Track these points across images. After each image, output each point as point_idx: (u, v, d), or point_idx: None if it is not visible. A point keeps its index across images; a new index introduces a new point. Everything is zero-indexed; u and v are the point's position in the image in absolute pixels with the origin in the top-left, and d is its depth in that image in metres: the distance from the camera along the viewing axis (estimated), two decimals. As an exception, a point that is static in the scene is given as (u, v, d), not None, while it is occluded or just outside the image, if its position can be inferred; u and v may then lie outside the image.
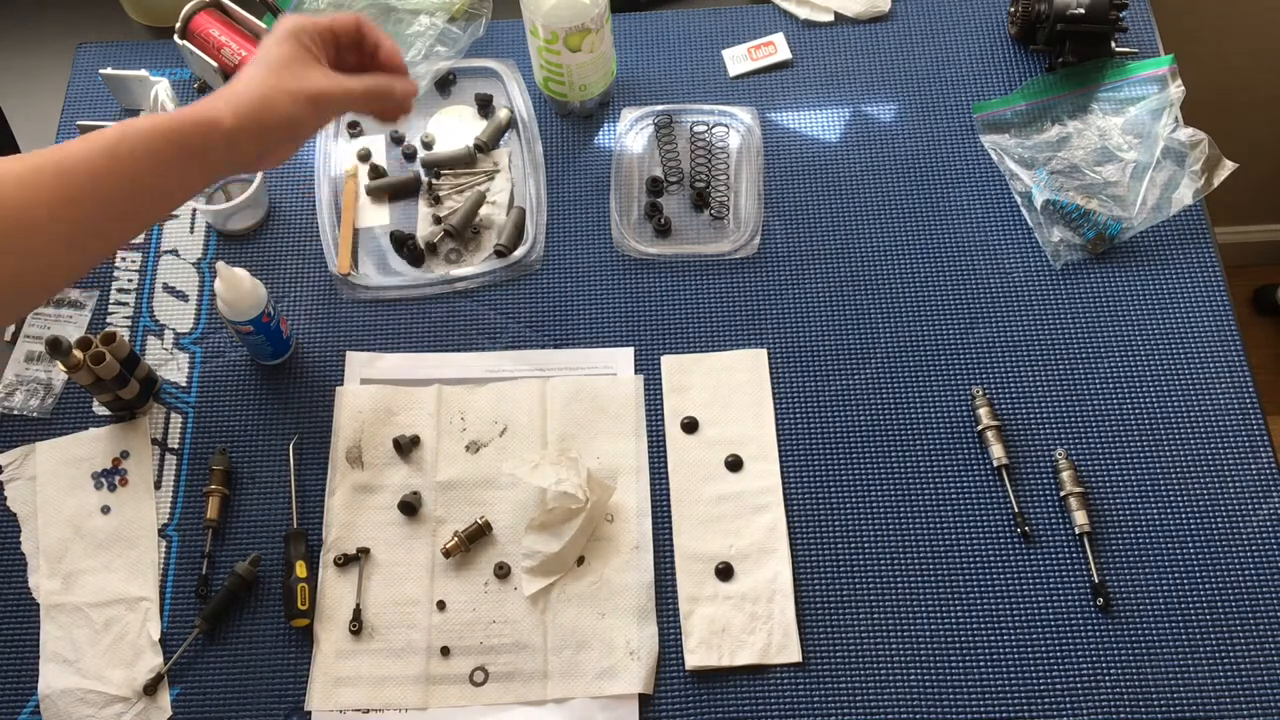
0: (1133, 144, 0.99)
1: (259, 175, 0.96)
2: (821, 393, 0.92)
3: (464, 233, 0.99)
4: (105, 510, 0.89)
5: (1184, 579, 0.84)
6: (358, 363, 0.95)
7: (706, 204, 1.01)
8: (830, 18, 1.10)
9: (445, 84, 1.08)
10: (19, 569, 0.87)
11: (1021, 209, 1.00)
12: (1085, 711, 0.80)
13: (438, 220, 1.00)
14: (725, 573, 0.85)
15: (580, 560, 0.86)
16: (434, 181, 1.02)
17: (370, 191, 1.02)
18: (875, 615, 0.84)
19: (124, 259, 1.00)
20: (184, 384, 0.94)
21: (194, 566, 0.87)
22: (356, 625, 0.84)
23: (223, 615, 0.85)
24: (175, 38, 1.05)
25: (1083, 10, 1.00)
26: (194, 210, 1.02)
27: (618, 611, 0.84)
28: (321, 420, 0.92)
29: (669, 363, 0.94)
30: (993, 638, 0.83)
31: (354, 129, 1.05)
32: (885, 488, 0.88)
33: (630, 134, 1.04)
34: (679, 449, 0.90)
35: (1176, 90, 1.00)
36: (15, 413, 0.93)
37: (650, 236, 1.00)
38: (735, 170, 1.02)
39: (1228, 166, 0.97)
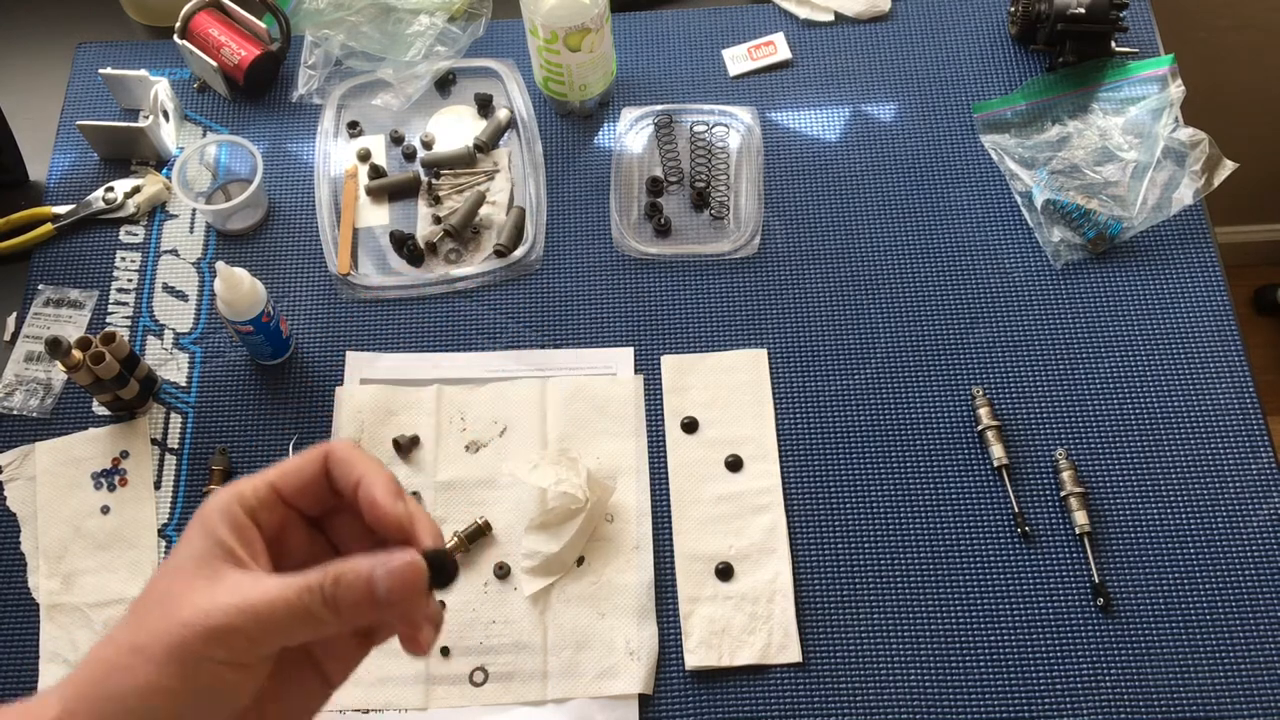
0: (1133, 144, 0.99)
1: (259, 174, 0.96)
2: (821, 393, 0.92)
3: (464, 233, 0.99)
4: (105, 510, 0.89)
5: (1184, 579, 0.84)
6: (357, 363, 0.94)
7: (706, 204, 1.01)
8: (830, 18, 1.10)
9: (445, 84, 1.08)
10: (19, 569, 0.87)
11: (1021, 209, 0.99)
12: (1085, 711, 0.80)
13: (437, 220, 1.00)
14: (725, 573, 0.85)
15: (580, 560, 0.86)
16: (434, 181, 1.02)
17: (370, 191, 1.02)
18: (875, 615, 0.84)
19: (124, 259, 1.00)
20: (184, 384, 0.94)
21: (194, 566, 0.87)
22: (356, 625, 0.84)
23: (222, 615, 0.85)
24: (175, 38, 1.05)
25: (1083, 10, 1.00)
26: (194, 210, 1.02)
27: (617, 611, 0.84)
28: (321, 420, 0.92)
29: (669, 363, 0.94)
30: (993, 638, 0.82)
31: (354, 128, 1.05)
32: (885, 488, 0.88)
33: (630, 134, 1.04)
34: (679, 449, 0.90)
35: (1176, 90, 1.00)
36: (15, 413, 0.93)
37: (650, 236, 1.00)
38: (735, 170, 1.02)
39: (1228, 166, 0.97)
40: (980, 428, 0.89)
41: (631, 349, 0.94)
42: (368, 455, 0.42)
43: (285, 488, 0.41)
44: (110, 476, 0.90)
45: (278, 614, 0.37)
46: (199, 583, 0.38)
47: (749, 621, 0.83)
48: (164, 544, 0.88)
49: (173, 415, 0.93)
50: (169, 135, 1.05)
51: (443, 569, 0.40)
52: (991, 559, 0.85)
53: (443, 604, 0.84)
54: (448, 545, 0.85)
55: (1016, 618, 0.83)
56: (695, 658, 0.82)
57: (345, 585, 0.38)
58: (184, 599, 0.38)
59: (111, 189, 1.02)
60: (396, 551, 0.39)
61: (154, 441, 0.92)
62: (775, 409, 0.92)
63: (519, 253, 0.98)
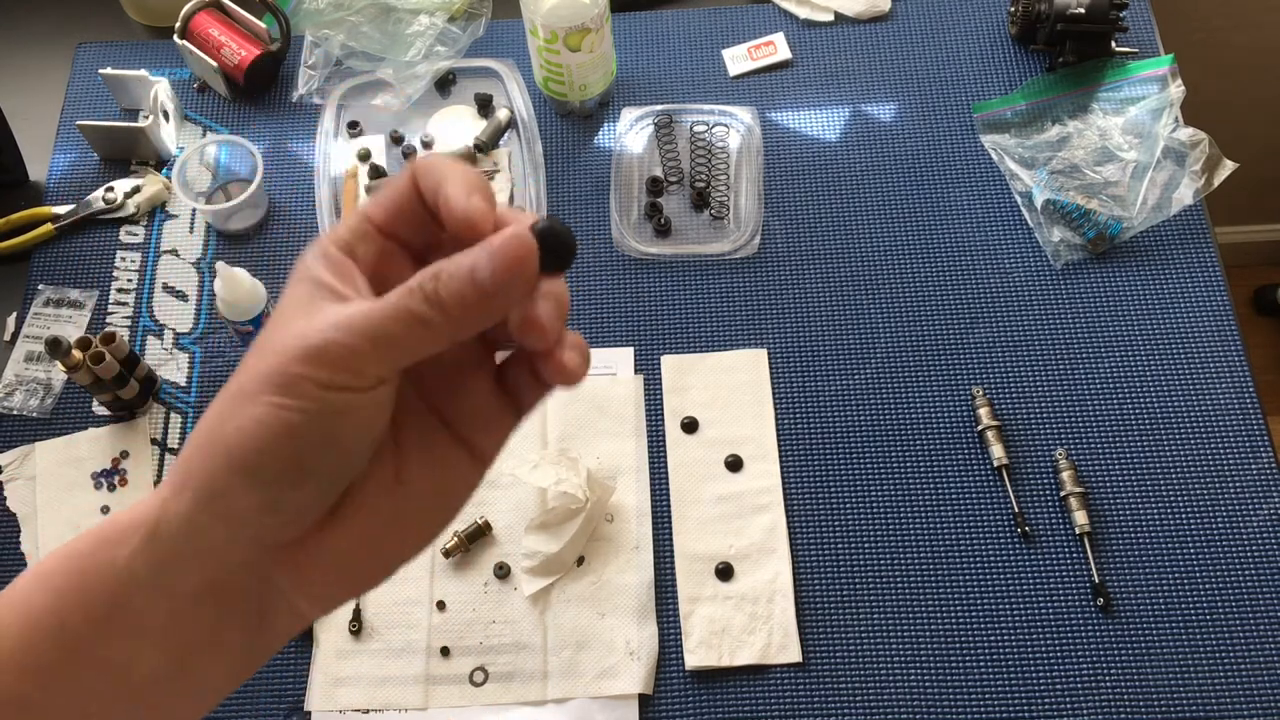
0: (1133, 144, 0.99)
1: (259, 174, 0.96)
2: (821, 393, 0.92)
3: (464, 233, 0.99)
4: (105, 510, 0.89)
5: (1184, 579, 0.84)
6: (357, 363, 0.94)
7: (706, 204, 1.01)
8: (830, 18, 1.10)
9: (445, 84, 1.08)
10: (19, 569, 0.87)
11: (1021, 209, 1.00)
12: (1085, 711, 0.80)
13: (438, 220, 1.00)
14: (725, 573, 0.85)
15: (580, 560, 0.86)
16: (434, 181, 1.01)
17: (370, 191, 1.02)
18: (875, 615, 0.84)
19: (124, 259, 1.00)
20: (184, 384, 0.94)
21: (194, 566, 0.87)
22: (356, 625, 0.84)
23: (222, 615, 0.85)
24: (175, 38, 1.05)
25: (1083, 10, 1.00)
26: (194, 210, 1.02)
27: (618, 611, 0.84)
28: (321, 420, 0.92)
29: (669, 363, 0.94)
30: (993, 638, 0.82)
31: (354, 129, 1.05)
32: (885, 488, 0.88)
33: (630, 134, 1.04)
34: (679, 449, 0.90)
35: (1176, 90, 1.00)
36: (15, 413, 0.93)
37: (650, 236, 1.00)
38: (735, 170, 1.02)
39: (1228, 166, 0.97)
40: (980, 428, 0.89)
41: (631, 349, 0.94)
42: (453, 161, 0.36)
43: (377, 214, 0.36)
44: (110, 476, 0.90)
45: (378, 320, 0.32)
46: (298, 320, 0.33)
47: (749, 621, 0.83)
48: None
49: (173, 415, 0.93)
50: (169, 135, 1.05)
51: (556, 242, 0.32)
52: (991, 559, 0.85)
53: (442, 604, 0.84)
54: (448, 545, 0.85)
55: (1016, 618, 0.83)
56: (695, 658, 0.82)
57: (446, 277, 0.32)
58: (283, 335, 0.33)
59: (111, 189, 1.02)
60: (501, 232, 0.33)
61: (154, 441, 0.92)
62: (775, 409, 0.92)
63: (519, 253, 0.98)
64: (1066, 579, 0.84)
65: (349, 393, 0.32)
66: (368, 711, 0.81)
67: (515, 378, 0.37)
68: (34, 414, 0.93)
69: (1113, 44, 1.04)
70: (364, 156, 1.04)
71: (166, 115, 1.04)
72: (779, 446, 0.90)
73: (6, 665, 0.34)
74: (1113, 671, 0.81)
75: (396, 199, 0.36)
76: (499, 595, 0.85)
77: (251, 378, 0.33)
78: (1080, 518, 0.85)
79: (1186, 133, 0.98)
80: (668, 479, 0.89)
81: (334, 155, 1.04)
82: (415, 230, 0.36)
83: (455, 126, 1.06)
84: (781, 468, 0.89)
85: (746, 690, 0.81)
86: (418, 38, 1.06)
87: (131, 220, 1.02)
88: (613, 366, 0.94)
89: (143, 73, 1.04)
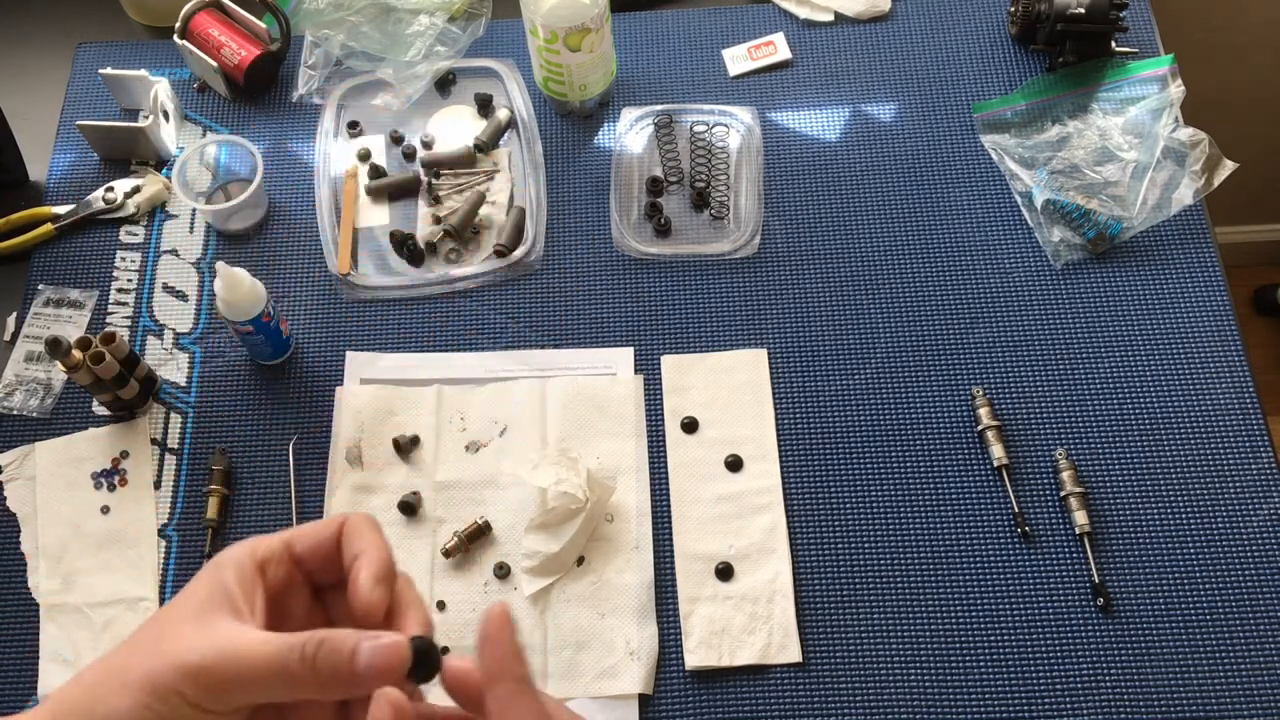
0: (1133, 144, 0.99)
1: (259, 174, 0.96)
2: (821, 393, 0.92)
3: (464, 233, 0.99)
4: (105, 510, 0.89)
5: (1184, 579, 0.84)
6: (357, 363, 0.95)
7: (706, 204, 1.01)
8: (830, 18, 1.10)
9: (445, 84, 1.08)
10: (19, 569, 0.87)
11: (1021, 209, 1.00)
12: (1085, 711, 0.80)
13: (438, 220, 1.00)
14: (725, 573, 0.85)
15: (580, 560, 0.86)
16: (434, 181, 1.02)
17: (370, 191, 1.02)
18: (875, 615, 0.84)
19: (124, 259, 1.00)
20: (184, 384, 0.94)
21: (194, 566, 0.87)
22: (356, 625, 0.84)
23: (222, 615, 0.85)
24: (175, 38, 1.05)
25: (1083, 10, 1.00)
26: (194, 210, 1.02)
27: (617, 611, 0.84)
28: (321, 420, 0.92)
29: (669, 363, 0.94)
30: (993, 638, 0.82)
31: (354, 128, 1.05)
32: (885, 488, 0.88)
33: (630, 134, 1.04)
34: (679, 449, 0.90)
35: (1176, 90, 1.00)
36: (15, 413, 0.93)
37: (650, 236, 1.00)
38: (735, 170, 1.02)
39: (1228, 166, 0.97)
40: (980, 428, 0.89)
41: (631, 349, 0.94)
42: (376, 532, 0.42)
43: (297, 544, 0.42)
44: (110, 476, 0.90)
45: (256, 664, 0.38)
46: (192, 622, 0.39)
47: (749, 621, 0.83)
48: (164, 544, 0.88)
49: (173, 415, 0.93)
50: (169, 135, 1.05)
51: (426, 660, 0.40)
52: (991, 559, 0.85)
53: (442, 604, 0.84)
54: (448, 545, 0.85)
55: (1016, 618, 0.83)
56: (695, 658, 0.82)
57: (327, 649, 0.38)
58: (174, 634, 0.39)
59: (111, 189, 1.02)
60: (387, 633, 0.39)
61: (154, 441, 0.92)
62: (775, 409, 0.92)
63: (519, 253, 0.98)
64: (1066, 579, 0.84)
65: (209, 714, 0.38)
66: (368, 711, 0.81)
67: None
68: (34, 414, 0.93)
69: (1113, 44, 1.04)
70: (364, 156, 1.04)
71: (166, 115, 1.04)
72: (779, 446, 0.90)
73: None
74: (1113, 671, 0.81)
75: (320, 542, 0.42)
76: (499, 595, 0.85)
77: (137, 663, 0.38)
78: (1080, 518, 0.85)
79: (1186, 133, 0.98)
80: (668, 479, 0.89)
81: (334, 155, 1.04)
82: (325, 571, 0.43)
83: (455, 126, 1.06)
84: (781, 468, 0.89)
85: (746, 690, 0.81)
86: (418, 38, 1.06)
87: (131, 220, 1.02)
88: (613, 366, 0.94)
89: (143, 73, 1.04)
